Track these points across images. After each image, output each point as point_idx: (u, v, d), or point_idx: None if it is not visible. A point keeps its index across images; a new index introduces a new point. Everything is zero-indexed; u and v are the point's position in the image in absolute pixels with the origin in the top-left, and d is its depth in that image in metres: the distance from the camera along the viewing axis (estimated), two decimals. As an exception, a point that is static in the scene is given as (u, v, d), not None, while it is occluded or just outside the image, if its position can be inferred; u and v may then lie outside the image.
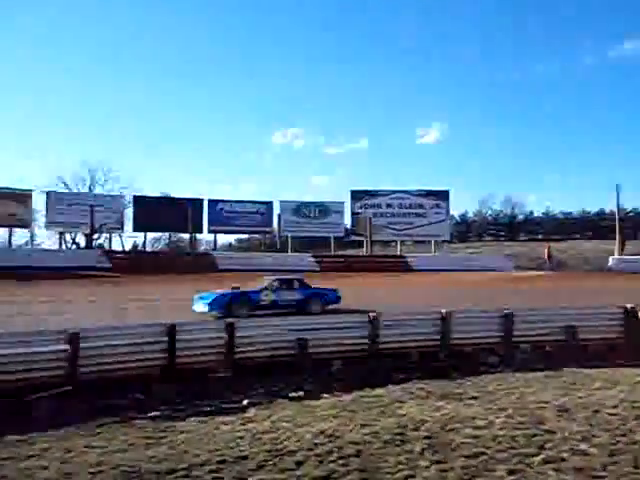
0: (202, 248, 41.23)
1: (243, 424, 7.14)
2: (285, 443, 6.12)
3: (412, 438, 6.13)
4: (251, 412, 7.91)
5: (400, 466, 5.35)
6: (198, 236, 39.74)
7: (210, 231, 37.69)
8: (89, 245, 37.67)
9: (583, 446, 5.87)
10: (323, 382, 9.88)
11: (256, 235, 44.02)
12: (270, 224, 38.72)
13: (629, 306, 13.65)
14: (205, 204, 37.42)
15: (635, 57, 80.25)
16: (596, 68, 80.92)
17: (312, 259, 33.19)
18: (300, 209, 38.34)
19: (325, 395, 8.93)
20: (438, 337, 12.27)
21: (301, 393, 9.15)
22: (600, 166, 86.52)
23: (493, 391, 8.66)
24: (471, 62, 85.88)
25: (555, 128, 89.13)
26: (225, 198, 38.56)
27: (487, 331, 12.74)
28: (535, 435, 6.23)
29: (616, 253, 36.07)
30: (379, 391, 8.76)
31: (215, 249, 38.64)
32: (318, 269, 31.06)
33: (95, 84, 78.25)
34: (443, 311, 12.51)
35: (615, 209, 40.87)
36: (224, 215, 37.31)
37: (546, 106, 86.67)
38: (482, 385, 9.14)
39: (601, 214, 64.39)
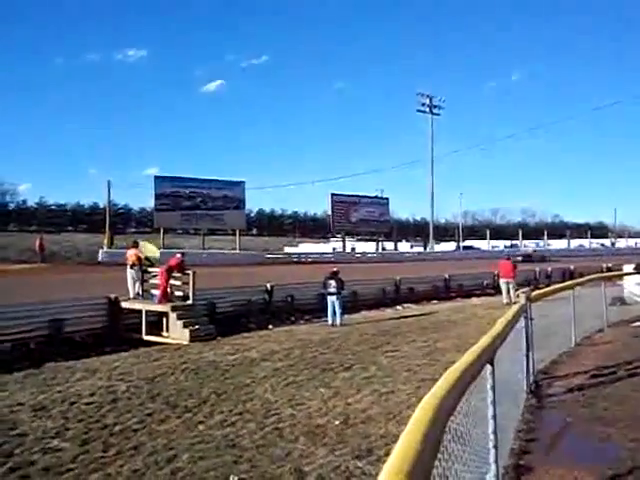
0: None
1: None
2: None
3: None
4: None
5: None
6: None
7: None
8: None
9: (55, 442, 5.86)
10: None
11: None
12: None
13: (113, 296, 14.16)
14: None
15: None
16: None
17: None
18: None
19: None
20: None
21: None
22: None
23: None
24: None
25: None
26: None
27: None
28: (4, 443, 5.90)
29: (105, 246, 39.17)
30: None
31: None
32: None
33: None
34: None
35: (107, 204, 47.35)
36: None
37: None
38: None
39: (95, 208, 68.36)
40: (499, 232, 77.51)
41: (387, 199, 58.67)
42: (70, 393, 7.88)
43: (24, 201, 73.22)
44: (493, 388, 3.46)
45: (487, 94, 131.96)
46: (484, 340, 3.40)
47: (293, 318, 17.34)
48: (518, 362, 5.87)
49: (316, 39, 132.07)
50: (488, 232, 62.69)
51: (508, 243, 69.94)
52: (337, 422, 6.17)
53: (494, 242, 66.99)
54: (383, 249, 57.05)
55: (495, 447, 3.44)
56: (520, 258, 41.99)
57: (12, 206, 72.05)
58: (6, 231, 61.25)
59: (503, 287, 18.09)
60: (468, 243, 69.77)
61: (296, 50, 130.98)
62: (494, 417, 3.46)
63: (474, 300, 22.31)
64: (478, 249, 62.32)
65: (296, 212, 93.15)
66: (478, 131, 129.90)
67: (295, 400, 7.17)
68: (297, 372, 8.79)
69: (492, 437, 3.43)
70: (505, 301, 17.05)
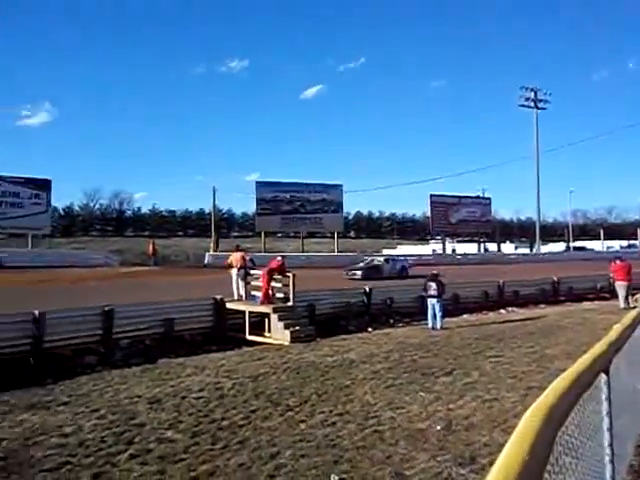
0: None
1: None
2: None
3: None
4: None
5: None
6: None
7: None
8: None
9: (169, 434, 6.31)
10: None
11: None
12: None
13: (219, 297, 14.94)
14: None
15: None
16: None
17: None
18: None
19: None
20: (28, 342, 11.47)
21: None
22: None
23: (87, 393, 8.46)
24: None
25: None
26: None
27: (87, 330, 12.49)
28: (125, 432, 6.34)
29: (211, 250, 41.97)
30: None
31: None
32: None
33: None
34: (35, 312, 11.73)
35: (212, 210, 51.06)
36: None
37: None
38: (75, 388, 8.87)
39: (201, 214, 73.57)
40: (615, 231, 72.22)
41: (489, 199, 56.69)
42: (181, 388, 8.48)
43: (139, 208, 78.77)
44: (609, 399, 3.24)
45: (598, 84, 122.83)
46: (598, 347, 3.19)
47: (392, 321, 17.28)
48: (639, 372, 5.44)
49: (411, 38, 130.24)
50: (602, 231, 58.56)
51: (625, 243, 64.96)
52: (438, 427, 6.07)
53: (609, 242, 62.50)
54: (485, 250, 55.23)
55: (612, 462, 3.22)
56: (359, 272, 26.78)
57: (129, 213, 77.65)
58: (124, 236, 66.81)
59: (619, 291, 16.81)
60: (580, 244, 65.53)
61: (392, 51, 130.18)
62: (610, 430, 3.23)
63: (586, 304, 20.97)
64: (591, 250, 58.37)
65: (394, 214, 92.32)
66: (589, 123, 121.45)
67: (395, 403, 7.14)
68: (396, 375, 8.75)
69: (608, 451, 3.21)
70: (622, 306, 15.81)
